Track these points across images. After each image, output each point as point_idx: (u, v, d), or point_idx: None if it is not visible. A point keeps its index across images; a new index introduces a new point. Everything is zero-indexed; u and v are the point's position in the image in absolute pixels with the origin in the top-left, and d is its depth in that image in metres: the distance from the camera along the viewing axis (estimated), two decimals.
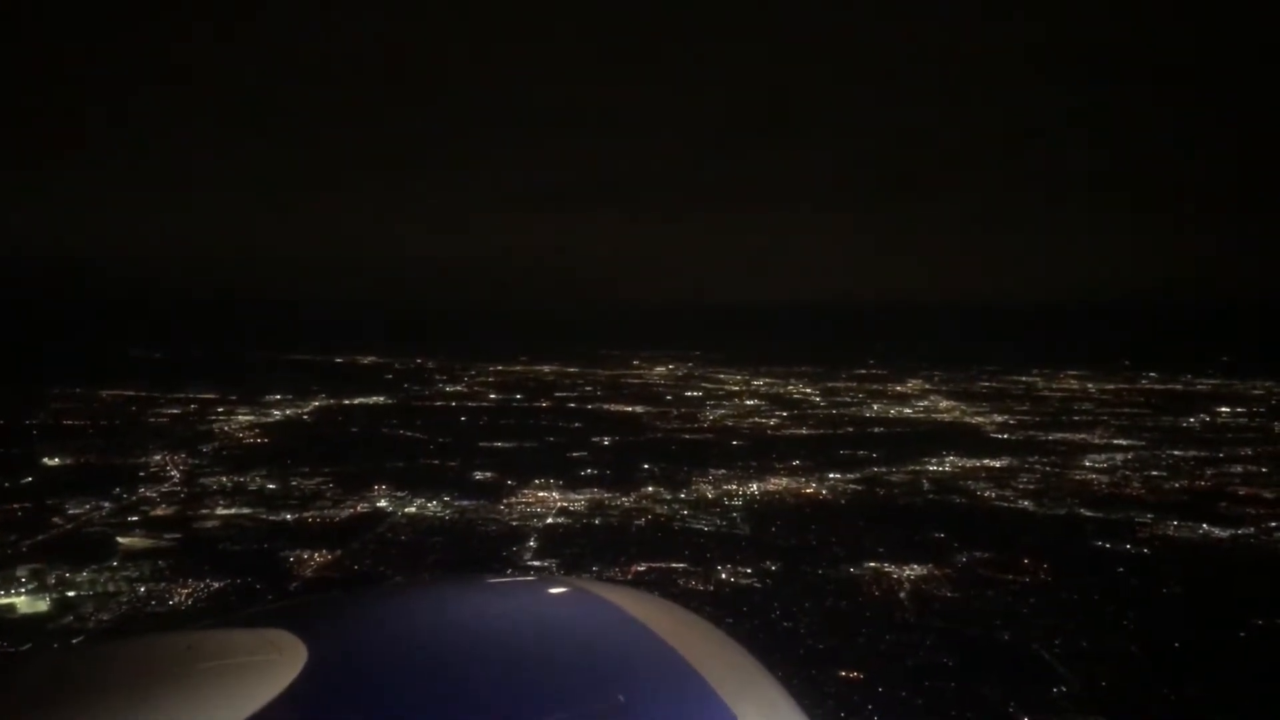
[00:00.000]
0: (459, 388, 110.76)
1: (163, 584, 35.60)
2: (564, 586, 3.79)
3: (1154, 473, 62.70)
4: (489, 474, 58.36)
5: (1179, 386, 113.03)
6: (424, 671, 2.85)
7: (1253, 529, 48.68)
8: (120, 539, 41.36)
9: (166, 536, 42.16)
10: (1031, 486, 58.23)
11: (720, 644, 3.30)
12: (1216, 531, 48.09)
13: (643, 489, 55.19)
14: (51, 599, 33.92)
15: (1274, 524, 49.32)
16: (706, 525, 48.17)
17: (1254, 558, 44.46)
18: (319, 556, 39.62)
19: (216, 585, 35.42)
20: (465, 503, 50.92)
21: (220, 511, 47.42)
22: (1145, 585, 39.83)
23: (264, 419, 79.78)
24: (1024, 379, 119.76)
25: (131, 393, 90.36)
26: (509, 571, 34.02)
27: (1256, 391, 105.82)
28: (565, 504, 51.67)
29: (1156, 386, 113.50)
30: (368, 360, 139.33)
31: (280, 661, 2.71)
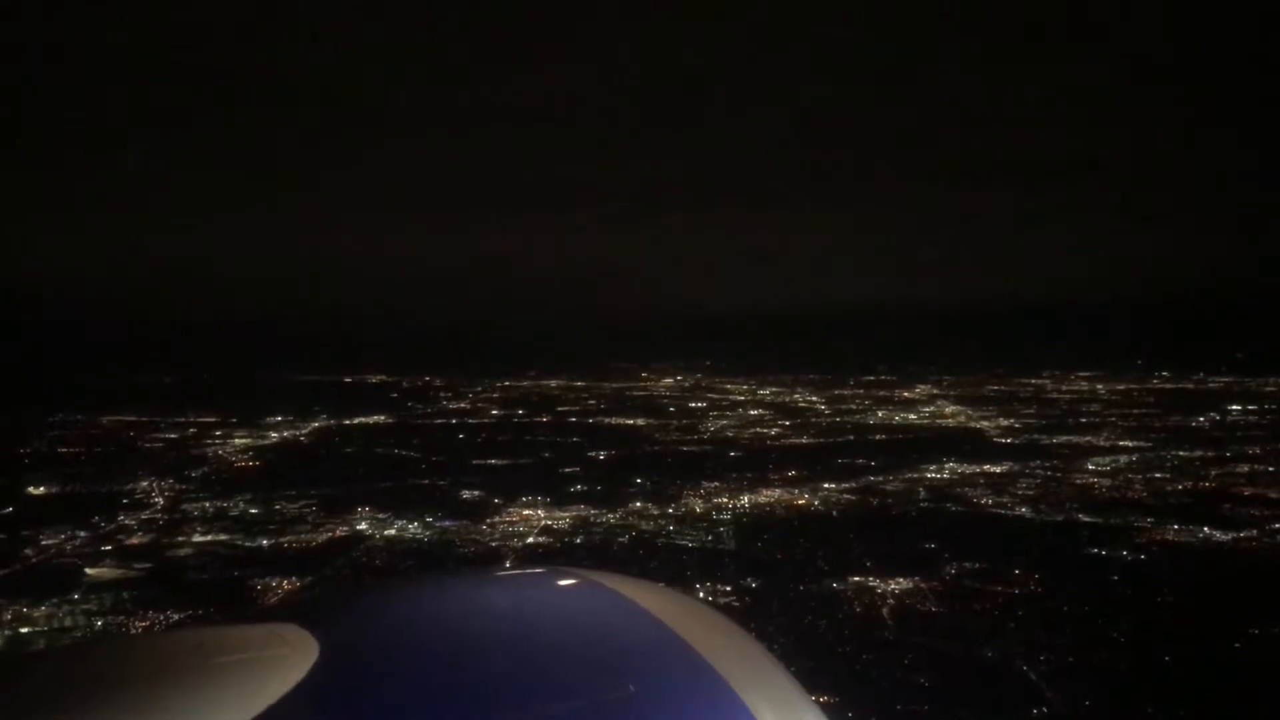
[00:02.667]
0: (462, 404, 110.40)
1: (122, 617, 35.04)
2: (573, 578, 3.65)
3: (1158, 475, 61.28)
4: (477, 493, 57.60)
5: (1190, 385, 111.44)
6: (434, 664, 2.81)
7: (1254, 531, 47.24)
8: (89, 570, 40.87)
9: (136, 566, 41.62)
10: (1031, 492, 56.99)
11: (732, 636, 3.21)
12: (1218, 535, 46.69)
13: (631, 505, 54.32)
14: (4, 636, 33.41)
15: (1278, 526, 47.85)
16: (691, 541, 47.28)
17: (1254, 562, 43.07)
18: (287, 584, 39.03)
19: (177, 617, 34.84)
20: (447, 523, 50.17)
21: (196, 539, 46.92)
22: (1138, 595, 38.61)
23: (260, 441, 79.40)
24: (1033, 381, 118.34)
25: (132, 418, 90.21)
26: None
27: (1269, 389, 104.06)
28: (550, 522, 50.88)
29: (1167, 386, 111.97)
30: (375, 379, 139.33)
31: (291, 657, 2.67)
